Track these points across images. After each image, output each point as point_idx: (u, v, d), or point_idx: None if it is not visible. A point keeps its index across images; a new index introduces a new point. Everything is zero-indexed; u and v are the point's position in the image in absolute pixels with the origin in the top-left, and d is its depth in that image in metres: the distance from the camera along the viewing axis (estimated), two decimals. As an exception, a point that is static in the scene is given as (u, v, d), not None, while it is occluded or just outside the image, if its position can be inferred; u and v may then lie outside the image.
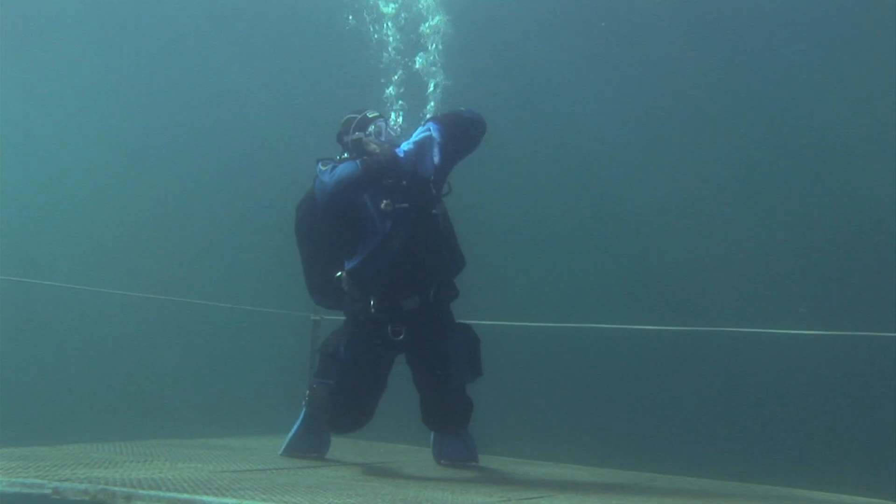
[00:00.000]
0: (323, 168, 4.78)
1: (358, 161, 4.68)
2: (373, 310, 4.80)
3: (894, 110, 5.78)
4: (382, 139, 4.82)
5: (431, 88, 5.21)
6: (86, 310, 8.02)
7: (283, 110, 7.85)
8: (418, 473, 4.90)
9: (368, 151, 4.76)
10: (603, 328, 6.12)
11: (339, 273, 4.92)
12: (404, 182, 4.74)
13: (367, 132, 4.85)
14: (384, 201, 4.71)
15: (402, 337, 4.83)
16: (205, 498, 3.38)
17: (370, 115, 4.91)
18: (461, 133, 4.78)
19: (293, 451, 5.26)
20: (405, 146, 4.73)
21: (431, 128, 4.74)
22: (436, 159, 4.69)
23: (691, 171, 6.45)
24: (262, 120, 8.00)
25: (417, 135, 4.75)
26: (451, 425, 5.13)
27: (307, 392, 5.36)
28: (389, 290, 4.77)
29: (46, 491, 3.49)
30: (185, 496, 3.40)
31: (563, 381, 6.67)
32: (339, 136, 5.01)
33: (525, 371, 6.70)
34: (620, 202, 6.69)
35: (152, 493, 3.43)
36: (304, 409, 5.34)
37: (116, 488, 3.46)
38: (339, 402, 4.90)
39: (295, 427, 5.34)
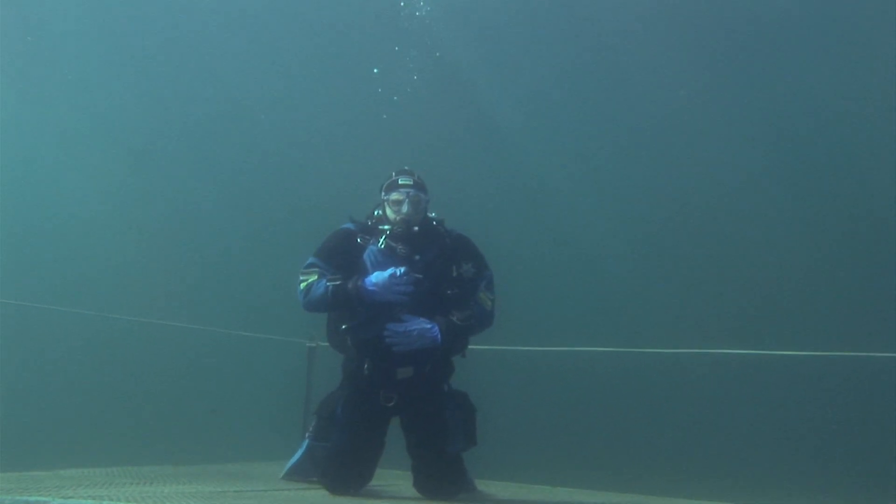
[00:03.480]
0: (302, 279, 4.75)
1: (329, 287, 4.66)
2: (366, 372, 4.80)
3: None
4: (398, 210, 4.79)
5: None
6: (80, 334, 7.98)
7: (288, 133, 7.92)
8: (417, 496, 4.88)
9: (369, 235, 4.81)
10: (595, 351, 6.14)
11: (344, 326, 4.86)
12: (417, 257, 4.75)
13: (388, 196, 4.80)
14: (401, 269, 4.67)
15: (392, 404, 4.81)
16: (211, 513, 3.40)
17: (401, 182, 4.81)
18: (456, 341, 4.83)
19: (293, 474, 5.24)
20: (379, 289, 4.64)
21: (432, 337, 4.71)
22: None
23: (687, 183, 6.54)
24: (263, 143, 8.08)
25: (418, 323, 4.71)
26: (442, 494, 5.07)
27: (310, 429, 5.27)
28: (385, 355, 4.73)
29: (51, 508, 3.48)
30: (191, 510, 3.41)
31: (559, 405, 6.69)
32: (380, 189, 4.93)
33: (522, 395, 6.73)
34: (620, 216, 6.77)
35: (157, 507, 3.44)
36: (306, 441, 5.30)
37: (121, 503, 3.47)
38: (337, 464, 4.85)
39: (297, 455, 5.32)
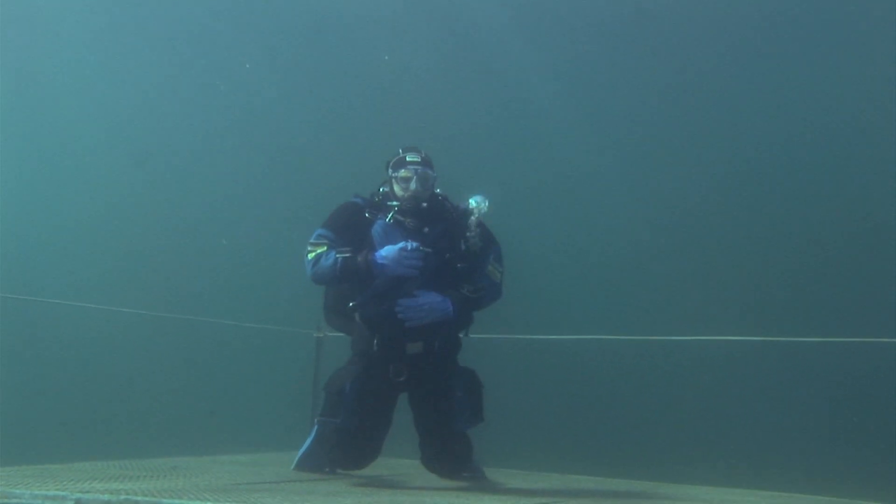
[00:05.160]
0: (310, 250, 4.74)
1: (338, 260, 4.64)
2: (375, 348, 4.82)
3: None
4: (407, 187, 4.81)
5: None
6: (89, 327, 8.02)
7: (291, 126, 7.93)
8: (429, 484, 4.93)
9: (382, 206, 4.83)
10: (603, 339, 6.18)
11: (351, 303, 4.89)
12: (426, 230, 4.77)
13: (397, 173, 4.83)
14: (411, 243, 4.68)
15: (402, 379, 4.85)
16: (227, 505, 3.43)
17: (409, 159, 4.84)
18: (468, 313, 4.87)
19: (304, 465, 5.28)
20: (390, 262, 4.63)
21: (444, 310, 4.73)
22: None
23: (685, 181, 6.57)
24: (268, 135, 8.08)
25: (430, 296, 4.72)
26: (449, 470, 5.11)
27: (317, 419, 5.34)
28: (395, 331, 4.76)
29: (69, 502, 3.51)
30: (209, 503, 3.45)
31: (564, 391, 6.72)
32: (386, 166, 4.96)
33: (527, 382, 6.75)
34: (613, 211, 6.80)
35: (175, 501, 3.46)
36: (315, 427, 5.35)
37: (139, 497, 3.50)
38: (346, 441, 4.91)
39: (307, 443, 5.36)
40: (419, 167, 4.82)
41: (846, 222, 6.09)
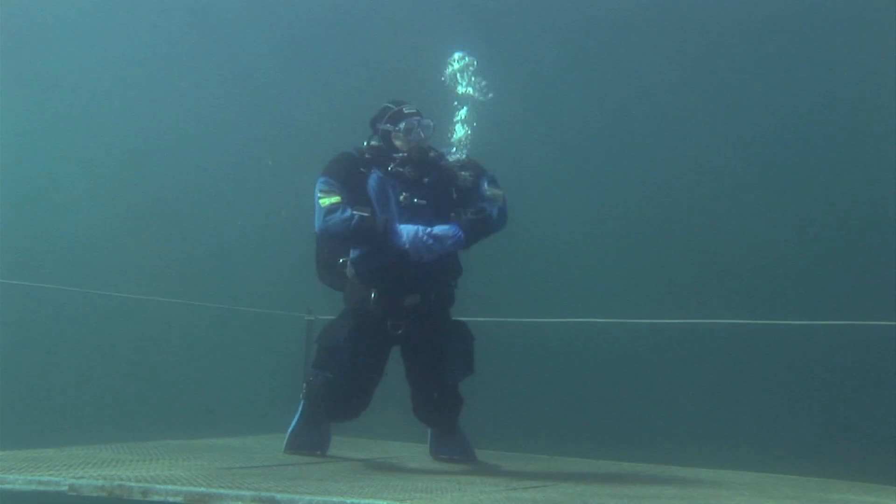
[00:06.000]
0: (321, 198, 4.67)
1: (355, 217, 4.60)
2: (373, 303, 4.84)
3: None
4: (412, 138, 4.80)
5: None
6: (79, 312, 8.00)
7: (278, 109, 7.89)
8: (421, 467, 4.96)
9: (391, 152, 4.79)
10: (596, 322, 6.21)
11: (342, 259, 4.92)
12: (426, 180, 4.78)
13: (398, 127, 4.82)
14: (403, 194, 4.71)
15: (400, 332, 4.88)
16: (221, 491, 3.43)
17: (406, 111, 4.85)
18: (479, 238, 4.84)
19: (295, 447, 5.30)
20: (407, 231, 4.62)
21: (452, 231, 4.69)
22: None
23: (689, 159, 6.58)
24: (256, 118, 8.04)
25: (438, 229, 4.68)
26: (441, 420, 5.18)
27: (304, 385, 5.40)
28: (392, 285, 4.79)
29: (63, 488, 3.52)
30: (202, 489, 3.45)
31: (556, 375, 6.75)
32: (373, 122, 4.96)
33: (518, 366, 6.79)
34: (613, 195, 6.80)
35: (169, 487, 3.47)
36: (301, 403, 5.38)
37: (133, 483, 3.51)
38: (338, 393, 4.95)
39: (294, 421, 5.38)
40: (419, 118, 4.83)
41: (842, 205, 6.12)
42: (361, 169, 4.81)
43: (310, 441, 5.31)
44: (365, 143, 4.94)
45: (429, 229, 4.63)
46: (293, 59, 8.05)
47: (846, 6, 6.19)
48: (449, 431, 5.32)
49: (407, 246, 4.60)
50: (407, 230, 4.63)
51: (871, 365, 5.71)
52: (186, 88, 8.45)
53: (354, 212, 4.62)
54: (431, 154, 4.81)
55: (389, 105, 4.93)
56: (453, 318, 5.11)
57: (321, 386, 5.09)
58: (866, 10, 6.12)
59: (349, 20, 7.82)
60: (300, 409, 5.39)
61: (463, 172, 4.82)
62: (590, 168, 6.98)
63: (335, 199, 4.66)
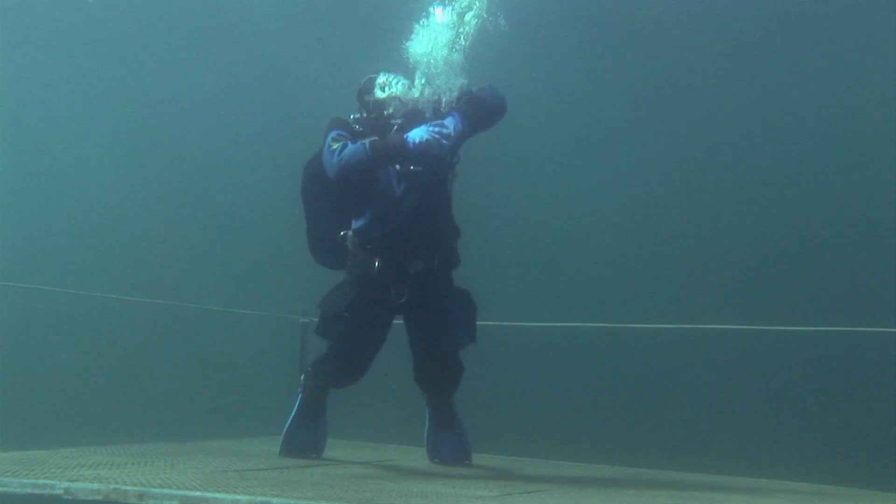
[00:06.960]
0: (332, 145, 4.68)
1: (367, 143, 4.59)
2: (376, 271, 4.83)
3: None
4: (391, 93, 4.82)
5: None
6: (73, 313, 7.97)
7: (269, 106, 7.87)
8: (417, 470, 4.95)
9: (383, 125, 4.79)
10: (593, 327, 6.21)
11: (343, 232, 4.92)
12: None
13: (380, 92, 4.85)
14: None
15: (404, 300, 4.87)
16: (217, 495, 3.41)
17: (393, 79, 4.86)
18: (480, 124, 4.77)
19: (291, 448, 5.27)
20: (417, 134, 4.57)
21: (452, 120, 4.66)
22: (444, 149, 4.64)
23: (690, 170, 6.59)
24: (247, 119, 8.02)
25: (434, 125, 4.64)
26: (442, 388, 5.19)
27: (302, 378, 5.39)
28: (395, 252, 4.79)
29: (58, 491, 3.50)
30: (197, 493, 3.43)
31: (552, 378, 6.75)
32: (360, 95, 4.99)
33: (514, 369, 6.78)
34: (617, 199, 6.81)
35: (165, 490, 3.46)
36: (298, 399, 5.36)
37: (128, 487, 3.49)
38: (340, 361, 5.02)
39: (291, 417, 5.35)
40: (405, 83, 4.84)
41: (840, 210, 6.13)
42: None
43: (305, 443, 5.28)
44: (352, 116, 4.96)
45: (432, 126, 4.59)
46: (289, 58, 8.03)
47: (846, 6, 6.19)
48: (448, 423, 5.26)
49: (426, 142, 4.50)
50: (416, 133, 4.56)
51: (869, 371, 5.71)
52: (184, 88, 8.42)
53: (364, 141, 4.62)
54: (427, 115, 4.81)
55: (374, 76, 4.97)
56: (457, 287, 5.10)
57: (323, 354, 5.15)
58: (866, 9, 6.12)
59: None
60: (297, 403, 5.36)
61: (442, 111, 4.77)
62: (590, 169, 6.97)
63: (345, 142, 4.69)
